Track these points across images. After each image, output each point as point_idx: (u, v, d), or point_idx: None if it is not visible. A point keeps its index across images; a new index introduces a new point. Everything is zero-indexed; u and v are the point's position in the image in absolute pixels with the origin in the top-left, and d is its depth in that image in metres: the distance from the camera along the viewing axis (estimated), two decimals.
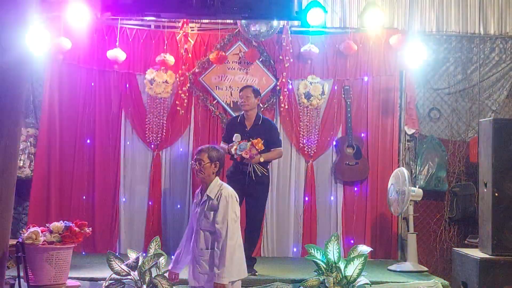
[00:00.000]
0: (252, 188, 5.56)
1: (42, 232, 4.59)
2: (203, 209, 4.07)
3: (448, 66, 7.10)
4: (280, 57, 6.73)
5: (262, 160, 5.49)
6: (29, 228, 4.61)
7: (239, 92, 5.78)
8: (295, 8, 3.71)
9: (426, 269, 6.12)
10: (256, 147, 5.41)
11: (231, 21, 6.68)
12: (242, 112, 5.81)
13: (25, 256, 4.46)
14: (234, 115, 6.30)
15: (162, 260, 5.05)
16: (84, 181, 6.68)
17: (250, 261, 5.69)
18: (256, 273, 5.61)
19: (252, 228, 5.71)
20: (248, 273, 5.50)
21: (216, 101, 6.79)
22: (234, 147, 5.43)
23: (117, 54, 6.41)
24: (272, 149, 5.63)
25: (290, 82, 6.81)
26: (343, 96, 6.87)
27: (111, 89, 6.77)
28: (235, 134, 5.52)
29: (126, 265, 4.89)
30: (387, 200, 6.31)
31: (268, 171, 5.73)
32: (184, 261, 4.25)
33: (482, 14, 7.05)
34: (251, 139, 5.43)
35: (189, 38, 6.63)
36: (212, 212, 4.02)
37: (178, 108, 6.63)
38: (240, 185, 5.43)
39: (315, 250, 5.31)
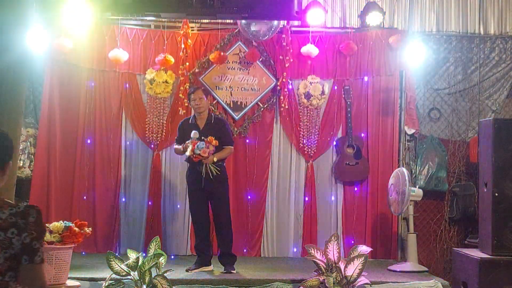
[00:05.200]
0: (209, 188, 5.62)
1: None
2: None
3: (448, 66, 7.10)
4: (280, 57, 6.72)
5: (215, 159, 5.53)
6: None
7: (190, 94, 5.77)
8: (295, 8, 3.72)
9: (426, 269, 6.12)
10: (212, 143, 5.46)
11: (231, 21, 6.67)
12: (193, 114, 5.87)
13: None
14: (186, 117, 6.20)
15: (162, 260, 5.05)
16: (84, 181, 6.67)
17: (229, 258, 5.73)
18: (234, 271, 5.61)
19: (223, 227, 5.77)
20: (225, 270, 5.57)
21: (216, 101, 6.79)
22: (190, 147, 5.43)
23: (120, 54, 6.41)
24: (224, 147, 5.64)
25: (290, 82, 6.81)
26: (343, 96, 6.87)
27: (111, 89, 6.76)
28: (193, 131, 5.53)
29: (126, 265, 4.88)
30: (387, 200, 6.31)
31: (224, 168, 5.73)
32: None
33: (482, 14, 7.05)
34: (203, 138, 5.48)
35: (188, 39, 6.62)
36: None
37: (178, 108, 6.63)
38: (197, 186, 5.60)
39: (315, 250, 5.31)
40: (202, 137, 5.50)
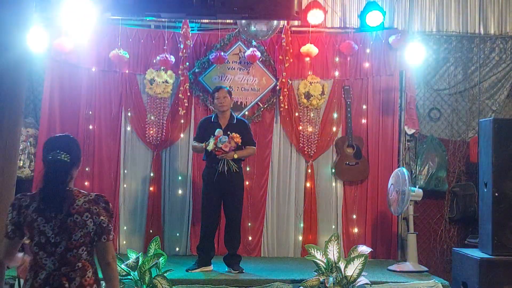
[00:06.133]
0: (226, 187, 5.64)
1: None
2: None
3: (448, 66, 7.10)
4: (280, 57, 6.72)
5: (236, 156, 5.55)
6: None
7: (215, 93, 5.78)
8: (295, 8, 3.71)
9: (426, 269, 6.12)
10: (235, 140, 5.47)
11: (231, 21, 6.68)
12: (215, 113, 5.86)
13: None
14: (207, 115, 6.26)
15: (162, 260, 5.05)
16: (84, 181, 6.67)
17: (235, 259, 5.72)
18: (243, 271, 5.65)
19: (233, 228, 5.78)
20: (234, 270, 5.57)
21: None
22: (212, 141, 5.45)
23: (120, 54, 6.40)
24: (246, 147, 5.69)
25: (290, 82, 6.81)
26: (343, 96, 6.87)
27: (111, 89, 6.76)
28: (217, 129, 5.56)
29: (126, 265, 4.89)
30: (387, 200, 6.31)
31: (241, 169, 5.78)
32: None
33: (482, 14, 7.05)
34: (228, 133, 5.52)
35: (188, 39, 6.62)
36: None
37: (178, 108, 6.63)
38: (215, 185, 5.60)
39: (315, 250, 5.32)
40: (228, 132, 5.54)
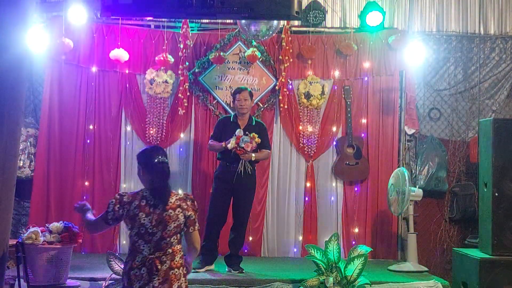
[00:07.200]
0: (240, 187, 5.66)
1: (42, 232, 4.60)
2: None
3: (448, 66, 7.11)
4: (280, 57, 6.73)
5: (253, 158, 5.58)
6: (29, 228, 4.61)
7: (236, 94, 5.80)
8: (295, 8, 3.71)
9: (426, 269, 6.12)
10: (255, 139, 5.53)
11: (231, 21, 6.68)
12: (234, 113, 5.88)
13: (25, 256, 4.46)
14: (226, 115, 6.29)
15: None
16: (84, 181, 6.67)
17: (236, 259, 5.73)
18: (243, 271, 5.65)
19: (240, 228, 5.80)
20: (234, 270, 5.57)
21: (216, 101, 6.79)
22: (234, 140, 5.48)
23: (120, 54, 6.41)
24: (262, 150, 5.73)
25: (290, 82, 6.81)
26: (343, 96, 6.87)
27: (111, 89, 6.76)
28: (238, 129, 5.59)
29: None
30: (387, 200, 6.31)
31: (255, 171, 5.81)
32: None
33: (482, 14, 7.05)
34: (247, 133, 5.55)
35: (188, 39, 6.62)
36: None
37: (178, 108, 6.63)
38: (228, 185, 5.63)
39: (315, 250, 5.32)
40: (247, 132, 5.57)
